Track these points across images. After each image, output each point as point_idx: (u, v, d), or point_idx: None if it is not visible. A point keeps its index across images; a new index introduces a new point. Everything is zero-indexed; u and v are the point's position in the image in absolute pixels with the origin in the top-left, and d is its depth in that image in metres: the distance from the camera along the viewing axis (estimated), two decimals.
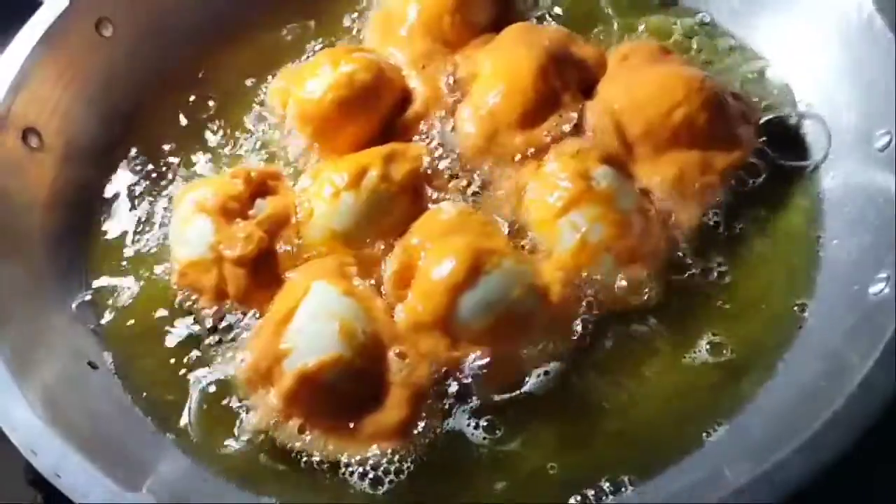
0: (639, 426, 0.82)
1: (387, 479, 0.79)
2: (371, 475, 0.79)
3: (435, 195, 0.94)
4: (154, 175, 1.02)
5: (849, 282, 0.84)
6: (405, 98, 1.01)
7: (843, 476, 0.68)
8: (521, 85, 0.97)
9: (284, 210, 0.93)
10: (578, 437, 0.81)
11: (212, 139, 1.04)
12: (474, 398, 0.83)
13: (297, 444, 0.81)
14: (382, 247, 0.91)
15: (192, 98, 1.08)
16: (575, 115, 0.97)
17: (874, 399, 0.69)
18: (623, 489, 0.77)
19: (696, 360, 0.85)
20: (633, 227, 0.89)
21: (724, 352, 0.85)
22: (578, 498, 0.77)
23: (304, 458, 0.81)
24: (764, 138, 0.97)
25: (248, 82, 1.08)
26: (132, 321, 0.92)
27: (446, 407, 0.82)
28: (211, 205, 0.91)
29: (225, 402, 0.85)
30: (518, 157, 0.95)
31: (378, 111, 0.99)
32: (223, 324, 0.89)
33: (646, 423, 0.82)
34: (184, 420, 0.86)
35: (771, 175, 0.95)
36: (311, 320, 0.84)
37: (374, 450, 0.80)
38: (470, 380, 0.82)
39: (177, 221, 0.94)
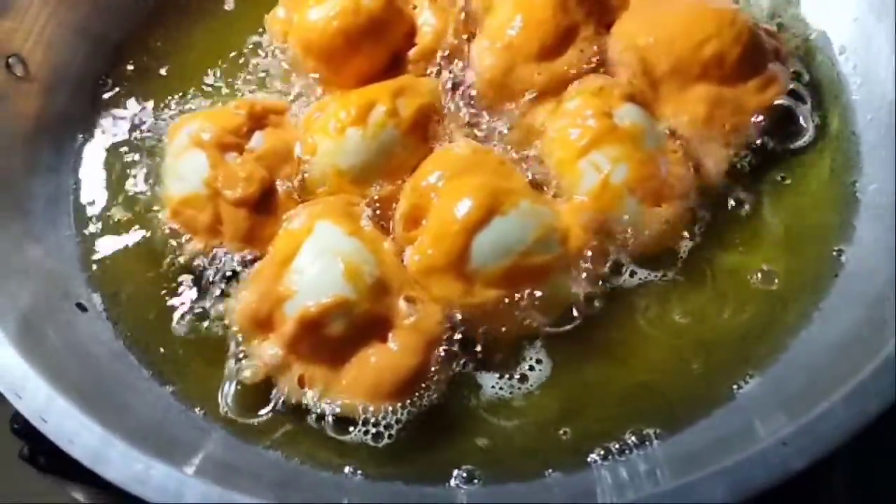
0: (665, 378, 0.78)
1: (388, 433, 0.74)
2: (373, 430, 0.74)
3: (447, 133, 0.89)
4: (145, 108, 0.96)
5: (887, 225, 0.80)
6: (414, 31, 0.95)
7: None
8: (539, 16, 0.91)
9: (285, 145, 0.88)
10: (601, 390, 0.77)
11: (207, 71, 0.97)
12: (488, 349, 0.78)
13: (298, 396, 0.76)
14: (391, 187, 0.85)
15: (186, 27, 1.01)
16: (596, 49, 0.91)
17: None
18: (648, 443, 0.73)
19: (725, 309, 0.80)
20: (659, 168, 0.84)
21: (756, 301, 0.80)
22: (602, 452, 0.73)
23: (305, 410, 0.76)
24: (796, 78, 0.91)
25: (246, 11, 1.01)
26: (121, 261, 0.87)
27: (457, 357, 0.77)
28: (207, 138, 0.86)
29: (223, 349, 0.80)
30: (536, 93, 0.89)
31: (386, 43, 0.93)
32: (220, 265, 0.83)
33: (673, 375, 0.78)
34: (179, 368, 0.81)
35: (804, 116, 0.90)
36: (315, 261, 0.78)
37: (376, 403, 0.75)
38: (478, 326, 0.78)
39: (171, 155, 0.88)
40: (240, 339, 0.79)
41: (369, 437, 0.74)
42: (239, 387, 0.78)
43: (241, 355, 0.79)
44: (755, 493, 0.60)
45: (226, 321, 0.80)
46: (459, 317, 0.78)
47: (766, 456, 0.61)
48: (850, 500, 0.82)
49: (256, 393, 0.77)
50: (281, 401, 0.77)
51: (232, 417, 0.77)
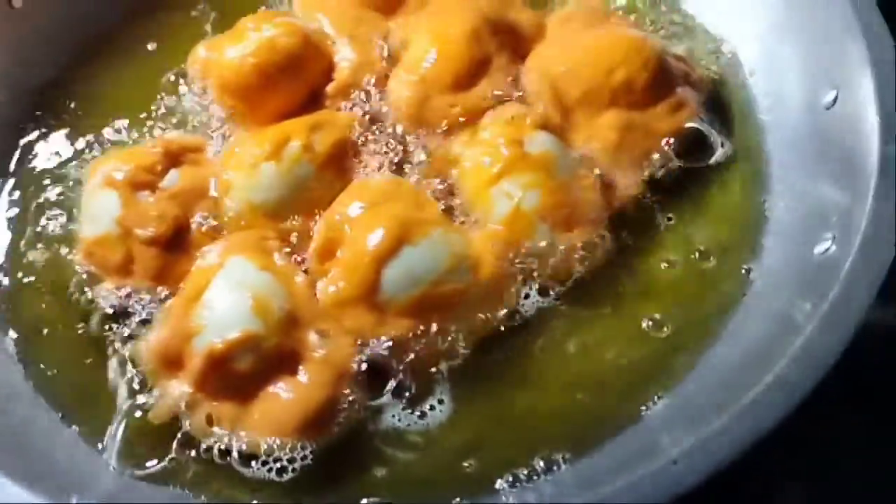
0: (573, 404, 0.77)
1: (291, 467, 0.73)
2: (277, 465, 0.73)
3: (364, 166, 0.89)
4: (65, 150, 0.96)
5: (794, 243, 0.81)
6: (332, 66, 0.96)
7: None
8: (452, 49, 0.92)
9: (201, 182, 0.88)
10: (509, 416, 0.77)
11: (128, 112, 0.97)
12: (395, 379, 0.78)
13: (206, 434, 0.75)
14: (307, 221, 0.86)
15: (108, 69, 1.01)
16: (511, 79, 0.92)
17: (818, 361, 0.65)
18: (557, 467, 0.72)
19: (634, 332, 0.81)
20: (571, 194, 0.85)
21: (665, 322, 0.81)
22: (510, 478, 0.72)
23: (213, 447, 0.75)
24: (707, 101, 0.93)
25: (167, 53, 1.02)
26: (35, 303, 0.86)
27: (365, 390, 0.77)
28: (119, 177, 0.85)
29: (133, 388, 0.79)
30: (451, 123, 0.90)
31: (303, 79, 0.94)
32: (133, 305, 0.82)
33: (580, 401, 0.77)
34: (88, 409, 0.79)
35: (714, 138, 0.91)
36: (224, 295, 0.78)
37: (285, 438, 0.74)
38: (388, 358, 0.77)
39: (85, 196, 0.88)
40: (151, 377, 0.78)
41: (273, 472, 0.73)
42: (146, 426, 0.76)
43: (149, 394, 0.77)
44: None
45: (136, 360, 0.79)
46: (370, 349, 0.78)
47: (656, 476, 0.61)
48: None
49: (163, 432, 0.76)
50: (188, 440, 0.75)
51: (138, 457, 0.75)
